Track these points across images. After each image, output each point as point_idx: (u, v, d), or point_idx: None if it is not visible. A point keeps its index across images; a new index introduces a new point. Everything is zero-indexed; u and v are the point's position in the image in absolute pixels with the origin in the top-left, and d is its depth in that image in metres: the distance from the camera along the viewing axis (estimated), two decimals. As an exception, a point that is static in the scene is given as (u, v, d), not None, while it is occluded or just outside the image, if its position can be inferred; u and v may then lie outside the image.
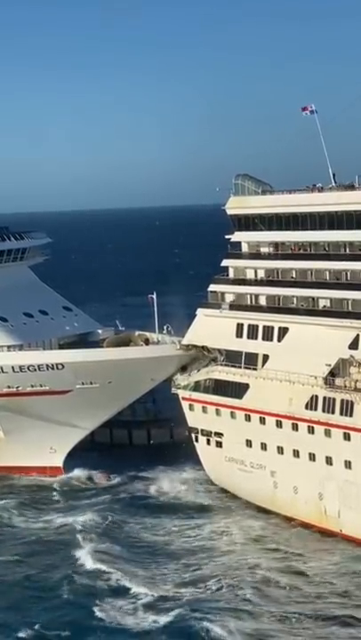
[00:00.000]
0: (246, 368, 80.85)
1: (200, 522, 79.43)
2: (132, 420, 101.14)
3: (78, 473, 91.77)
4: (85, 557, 72.14)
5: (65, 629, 62.21)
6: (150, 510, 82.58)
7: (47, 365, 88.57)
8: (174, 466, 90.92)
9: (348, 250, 76.26)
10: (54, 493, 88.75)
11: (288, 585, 66.69)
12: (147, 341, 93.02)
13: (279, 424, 77.78)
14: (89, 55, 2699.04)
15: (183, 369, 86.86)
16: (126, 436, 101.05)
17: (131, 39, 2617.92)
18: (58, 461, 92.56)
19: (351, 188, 77.69)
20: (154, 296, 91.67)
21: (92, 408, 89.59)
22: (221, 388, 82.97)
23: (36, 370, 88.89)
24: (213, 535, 76.68)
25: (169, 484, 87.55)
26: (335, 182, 79.84)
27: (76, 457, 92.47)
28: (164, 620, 62.31)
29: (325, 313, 76.33)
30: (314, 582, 67.00)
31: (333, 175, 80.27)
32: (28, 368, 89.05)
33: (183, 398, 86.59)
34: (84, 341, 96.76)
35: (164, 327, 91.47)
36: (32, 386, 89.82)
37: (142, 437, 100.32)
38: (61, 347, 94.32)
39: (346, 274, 75.98)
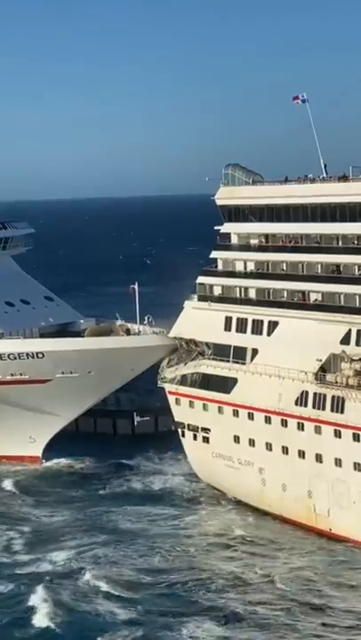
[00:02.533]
0: (235, 362, 79.26)
1: (177, 513, 78.60)
2: (117, 409, 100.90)
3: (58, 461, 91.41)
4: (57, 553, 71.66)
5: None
6: (128, 500, 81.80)
7: (27, 354, 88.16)
8: (158, 456, 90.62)
9: (340, 242, 74.88)
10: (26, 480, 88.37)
11: (255, 581, 65.84)
12: (128, 332, 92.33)
13: (268, 420, 76.40)
14: (87, 42, 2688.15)
15: (169, 361, 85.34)
16: (110, 426, 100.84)
17: (128, 27, 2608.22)
18: (37, 451, 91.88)
19: (344, 179, 76.11)
20: (135, 286, 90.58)
21: (72, 398, 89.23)
22: (209, 382, 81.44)
23: (15, 358, 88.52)
24: (187, 526, 75.92)
25: (151, 474, 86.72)
26: (326, 173, 78.43)
27: (58, 445, 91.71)
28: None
29: (317, 307, 74.91)
30: (282, 579, 65.89)
31: (325, 166, 78.91)
32: (8, 356, 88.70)
33: (170, 392, 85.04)
34: (65, 331, 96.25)
35: (145, 318, 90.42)
36: (12, 374, 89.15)
37: (127, 427, 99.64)
38: (42, 336, 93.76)
39: (338, 267, 74.59)
